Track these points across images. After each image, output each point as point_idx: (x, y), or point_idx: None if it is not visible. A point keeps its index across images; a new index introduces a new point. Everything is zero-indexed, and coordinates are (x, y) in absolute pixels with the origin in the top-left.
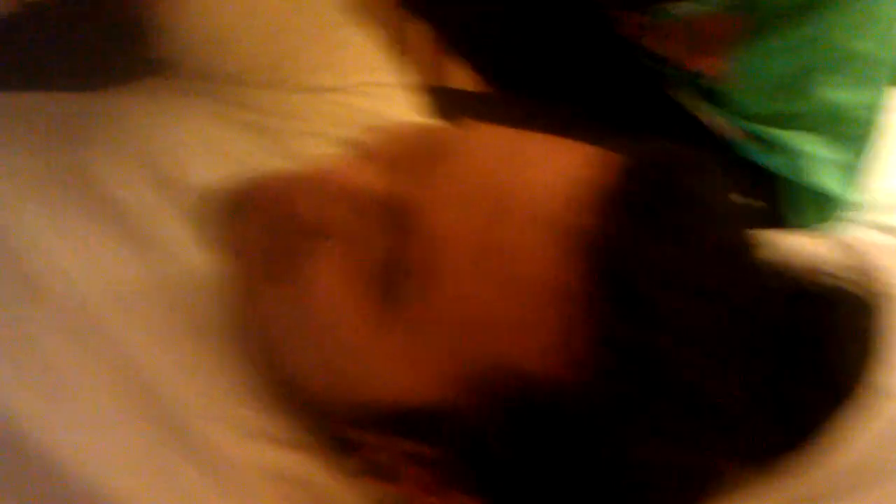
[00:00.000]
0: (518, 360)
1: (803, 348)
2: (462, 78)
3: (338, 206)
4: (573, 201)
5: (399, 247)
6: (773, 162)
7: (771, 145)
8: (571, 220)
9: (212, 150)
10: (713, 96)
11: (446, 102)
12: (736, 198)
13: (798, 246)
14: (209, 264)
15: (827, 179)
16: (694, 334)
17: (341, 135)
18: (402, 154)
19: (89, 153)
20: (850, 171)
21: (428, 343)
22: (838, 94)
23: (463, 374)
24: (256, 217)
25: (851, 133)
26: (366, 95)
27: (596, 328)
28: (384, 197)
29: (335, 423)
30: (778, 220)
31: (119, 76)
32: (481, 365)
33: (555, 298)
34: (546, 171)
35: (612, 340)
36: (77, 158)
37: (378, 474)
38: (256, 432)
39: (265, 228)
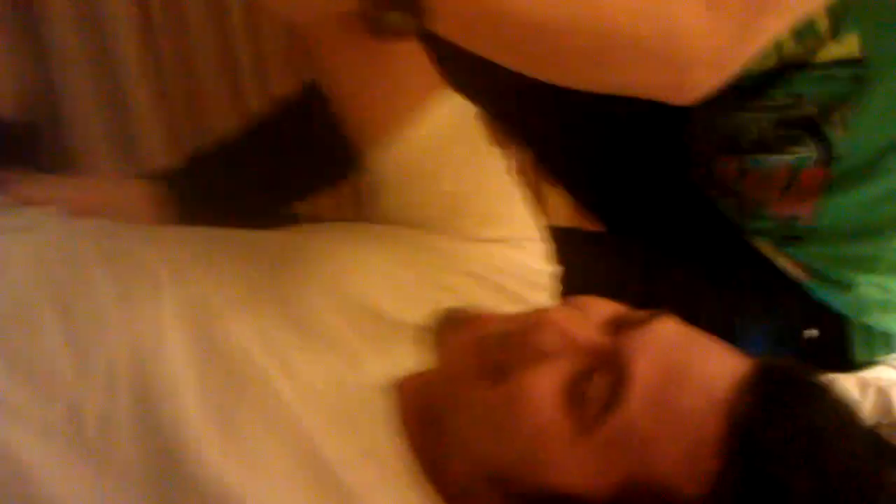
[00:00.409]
0: (666, 478)
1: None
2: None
3: (566, 343)
4: (733, 388)
5: (608, 381)
6: (840, 301)
7: (840, 286)
8: (730, 398)
9: (394, 285)
10: (789, 241)
11: (561, 243)
12: (809, 333)
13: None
14: (383, 374)
15: (888, 319)
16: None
17: (499, 281)
18: (612, 317)
19: (289, 278)
20: None
21: (608, 455)
22: None
23: (625, 478)
24: (469, 334)
25: None
26: (520, 248)
27: (723, 467)
28: (602, 346)
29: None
30: (846, 353)
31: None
32: (642, 475)
33: (705, 444)
34: (718, 364)
35: (732, 475)
36: (279, 284)
37: None
38: None
39: (478, 344)
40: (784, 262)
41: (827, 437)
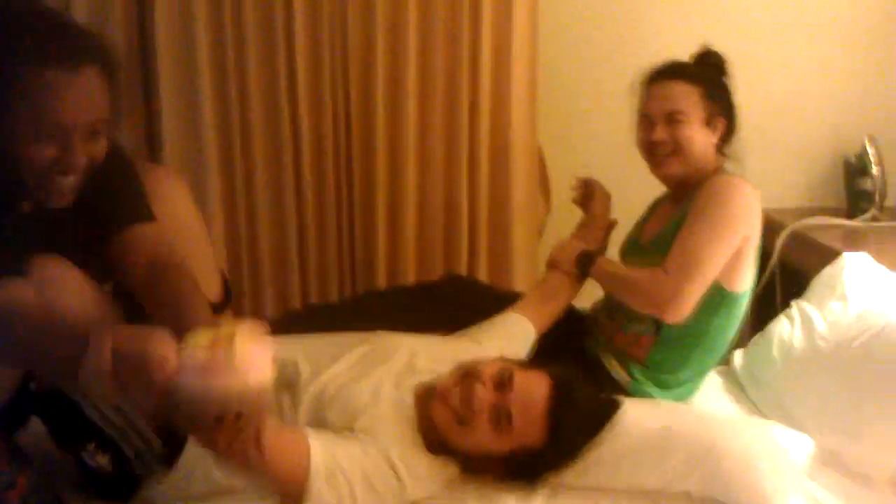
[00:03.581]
0: (528, 442)
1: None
2: None
3: (483, 403)
4: (548, 392)
5: (505, 413)
6: (650, 391)
7: (641, 391)
8: (546, 397)
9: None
10: (627, 363)
11: None
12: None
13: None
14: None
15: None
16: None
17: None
18: (492, 379)
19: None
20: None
21: (505, 440)
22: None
23: (514, 447)
24: (446, 396)
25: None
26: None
27: (551, 433)
28: (496, 400)
29: (463, 457)
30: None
31: None
32: (520, 442)
33: (542, 422)
34: (540, 385)
35: (556, 433)
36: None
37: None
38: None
39: (451, 399)
40: (618, 370)
41: (585, 411)
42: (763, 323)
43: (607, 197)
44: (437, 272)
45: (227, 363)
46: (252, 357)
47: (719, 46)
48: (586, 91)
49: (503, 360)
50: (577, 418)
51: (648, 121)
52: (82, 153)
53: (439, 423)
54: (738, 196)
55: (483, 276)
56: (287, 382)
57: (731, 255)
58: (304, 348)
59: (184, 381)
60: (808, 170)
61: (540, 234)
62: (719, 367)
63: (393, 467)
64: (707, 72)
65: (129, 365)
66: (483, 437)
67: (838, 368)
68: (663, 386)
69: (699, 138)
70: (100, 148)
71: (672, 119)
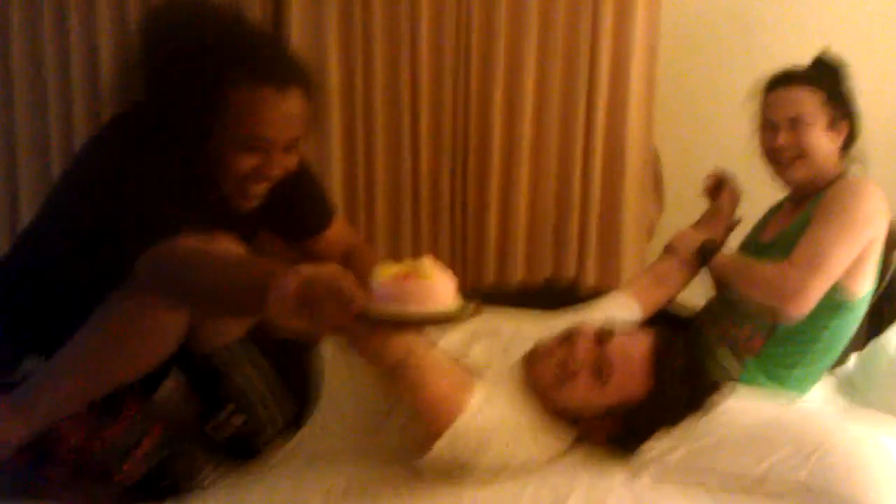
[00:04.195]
0: (632, 393)
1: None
2: None
3: (586, 358)
4: (648, 350)
5: (606, 364)
6: (762, 381)
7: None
8: (648, 355)
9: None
10: (739, 355)
11: None
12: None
13: None
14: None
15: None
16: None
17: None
18: (594, 335)
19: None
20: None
21: (609, 393)
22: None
23: (618, 399)
24: (548, 354)
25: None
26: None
27: (654, 383)
28: (597, 354)
29: (571, 416)
30: None
31: None
32: (624, 396)
33: (644, 375)
34: (641, 344)
35: (659, 383)
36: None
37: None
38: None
39: (554, 356)
40: (731, 360)
41: (686, 362)
42: (880, 330)
43: (738, 195)
44: (546, 270)
45: (424, 289)
46: (443, 283)
47: (844, 52)
48: (705, 95)
49: (606, 323)
50: (679, 368)
51: (772, 126)
52: (279, 165)
53: (544, 381)
54: (866, 197)
55: (591, 276)
56: None
57: (855, 258)
58: None
59: (378, 308)
60: None
61: (650, 236)
62: (833, 370)
63: (519, 427)
64: (827, 76)
65: (319, 292)
66: (586, 391)
67: None
68: (776, 379)
69: (823, 142)
70: (293, 161)
71: (796, 124)
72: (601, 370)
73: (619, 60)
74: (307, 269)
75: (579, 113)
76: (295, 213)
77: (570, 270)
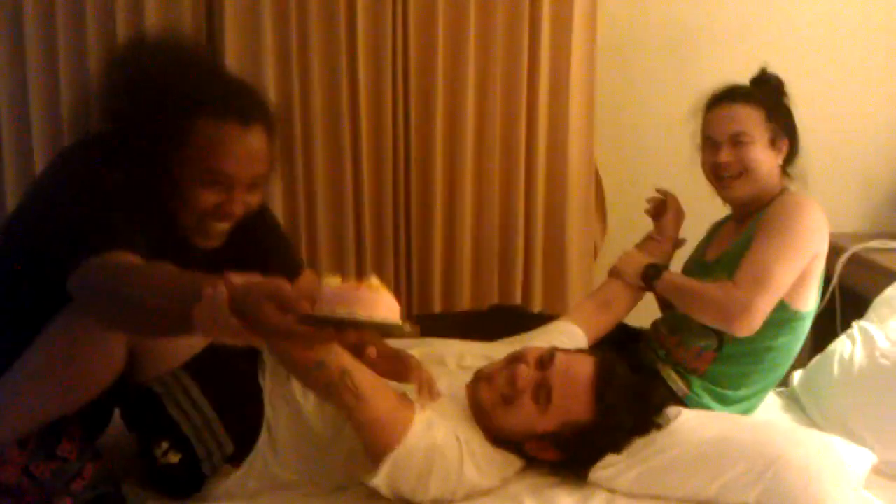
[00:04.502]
0: (574, 417)
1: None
2: None
3: (527, 382)
4: (592, 372)
5: (545, 387)
6: (708, 404)
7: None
8: (595, 381)
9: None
10: (686, 376)
11: None
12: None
13: None
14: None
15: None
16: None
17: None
18: (535, 360)
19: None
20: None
21: (550, 417)
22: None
23: (560, 424)
24: (491, 377)
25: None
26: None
27: (597, 407)
28: (538, 378)
29: (515, 441)
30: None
31: None
32: (565, 418)
33: (587, 397)
34: (584, 365)
35: (602, 407)
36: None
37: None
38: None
39: (496, 379)
40: (676, 380)
41: (629, 386)
42: (822, 345)
43: (681, 214)
44: (492, 295)
45: (373, 298)
46: (390, 298)
47: (779, 70)
48: (643, 114)
49: (551, 346)
50: (622, 392)
51: (713, 143)
52: (241, 203)
53: (486, 405)
54: (808, 213)
55: (537, 299)
56: None
57: (799, 274)
58: None
59: (326, 310)
60: (867, 195)
61: (595, 258)
62: (778, 388)
63: (459, 445)
64: (768, 93)
65: (254, 297)
66: (528, 415)
67: None
68: (722, 400)
69: (765, 159)
70: (256, 199)
71: (737, 141)
72: (542, 393)
73: (558, 81)
74: (238, 276)
75: (520, 135)
76: (259, 264)
77: (517, 294)
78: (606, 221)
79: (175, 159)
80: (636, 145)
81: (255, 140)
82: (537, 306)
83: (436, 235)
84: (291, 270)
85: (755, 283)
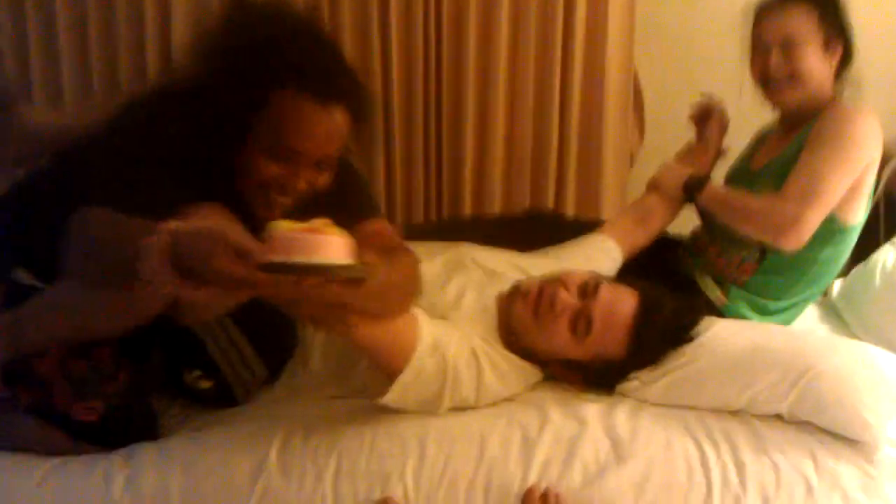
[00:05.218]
0: (609, 351)
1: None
2: None
3: (565, 306)
4: (632, 309)
5: (585, 319)
6: (745, 314)
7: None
8: (631, 314)
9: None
10: (725, 285)
11: None
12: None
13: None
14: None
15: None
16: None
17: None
18: (577, 286)
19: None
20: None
21: (584, 349)
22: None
23: (592, 356)
24: (528, 294)
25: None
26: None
27: (631, 346)
28: (579, 306)
29: (541, 361)
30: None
31: None
32: (599, 352)
33: (624, 333)
34: (626, 300)
35: (636, 347)
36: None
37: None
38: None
39: (533, 297)
40: (714, 289)
41: (668, 324)
42: (863, 255)
43: (726, 121)
44: (524, 201)
45: (329, 242)
46: (345, 239)
47: None
48: (688, 17)
49: (593, 272)
50: (661, 337)
51: (763, 48)
52: (304, 181)
53: (518, 322)
54: (861, 124)
55: (570, 206)
56: None
57: (850, 185)
58: None
59: (282, 258)
60: None
61: (631, 165)
62: (817, 299)
63: (476, 357)
64: None
65: (200, 246)
66: (560, 340)
67: None
68: (761, 311)
69: (817, 65)
70: (322, 179)
71: (789, 45)
72: (579, 324)
73: None
74: (174, 223)
75: (557, 35)
76: (329, 200)
77: (549, 200)
78: (644, 129)
79: (249, 124)
80: (679, 49)
81: (330, 120)
82: (569, 213)
83: (467, 135)
84: (358, 211)
85: (804, 195)
